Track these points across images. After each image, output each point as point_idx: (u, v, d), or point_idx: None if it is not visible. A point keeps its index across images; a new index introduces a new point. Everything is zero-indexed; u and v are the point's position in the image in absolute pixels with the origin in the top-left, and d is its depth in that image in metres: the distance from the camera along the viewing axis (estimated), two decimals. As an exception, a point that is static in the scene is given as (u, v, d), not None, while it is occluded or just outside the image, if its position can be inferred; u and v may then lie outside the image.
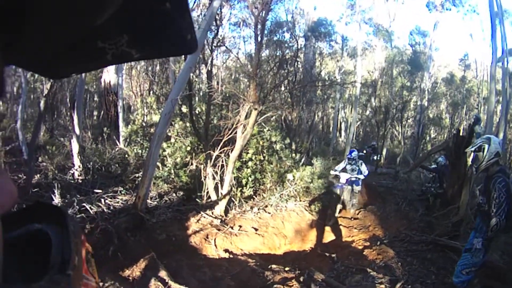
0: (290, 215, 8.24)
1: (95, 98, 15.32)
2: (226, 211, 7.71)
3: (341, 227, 8.60)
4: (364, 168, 9.79)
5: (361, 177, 9.71)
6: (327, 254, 6.76)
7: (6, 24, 0.51)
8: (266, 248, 7.09)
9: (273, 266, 5.85)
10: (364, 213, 9.41)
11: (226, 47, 10.48)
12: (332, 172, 10.03)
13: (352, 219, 9.17)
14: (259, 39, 7.92)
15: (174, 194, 8.17)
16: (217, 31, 9.33)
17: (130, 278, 5.21)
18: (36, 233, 0.78)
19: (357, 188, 9.81)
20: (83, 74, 9.59)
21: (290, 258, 6.76)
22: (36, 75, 14.31)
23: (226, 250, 6.56)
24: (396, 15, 22.52)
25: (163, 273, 5.05)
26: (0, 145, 8.65)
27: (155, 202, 7.74)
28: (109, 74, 12.58)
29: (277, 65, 10.57)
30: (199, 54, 7.96)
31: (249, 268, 5.79)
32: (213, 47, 9.02)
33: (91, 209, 6.65)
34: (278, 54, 12.09)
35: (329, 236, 8.18)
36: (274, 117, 9.83)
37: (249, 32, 14.72)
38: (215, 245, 6.67)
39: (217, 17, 8.70)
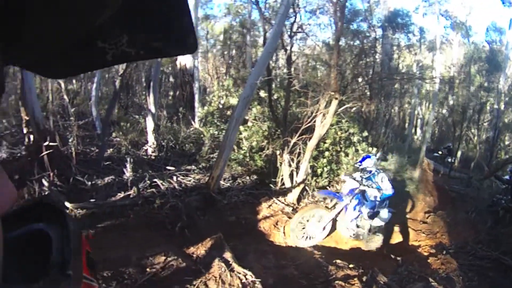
0: None
1: (171, 79, 15.51)
2: (299, 200, 7.57)
3: (409, 229, 8.21)
4: (386, 185, 6.81)
5: (376, 193, 6.76)
6: (393, 256, 6.61)
7: (6, 24, 0.52)
8: (333, 242, 6.92)
9: (338, 261, 5.69)
10: (433, 217, 8.83)
11: (305, 33, 10.21)
12: (342, 177, 7.52)
13: (421, 222, 8.58)
14: (338, 26, 7.61)
15: (247, 177, 8.14)
16: (295, 17, 9.10)
17: (194, 255, 5.20)
18: (36, 233, 0.85)
19: (367, 212, 6.75)
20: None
21: (356, 255, 6.52)
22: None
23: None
24: (472, 9, 20.95)
25: (228, 255, 5.00)
26: (74, 120, 8.88)
27: (228, 184, 7.70)
28: (184, 57, 12.70)
29: (356, 55, 10.24)
30: (278, 40, 7.74)
31: (314, 260, 5.68)
32: (292, 33, 8.79)
33: (162, 185, 6.71)
34: (356, 43, 11.73)
35: (396, 237, 7.87)
36: (354, 109, 9.48)
37: (325, 19, 14.36)
38: (284, 232, 6.59)
39: (294, 2, 8.42)
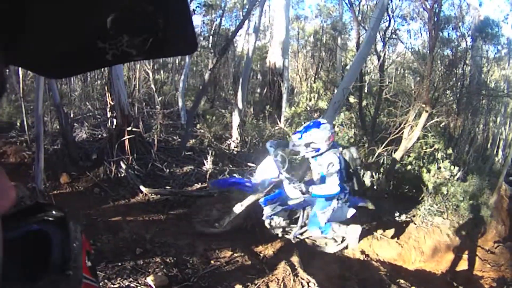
0: (434, 231, 7.45)
1: (258, 77, 15.58)
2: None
3: (476, 258, 7.62)
4: (330, 178, 4.80)
5: (298, 195, 5.01)
6: (455, 284, 6.23)
7: (6, 25, 0.52)
8: (400, 260, 6.61)
9: (401, 281, 5.38)
10: (502, 248, 8.17)
11: (399, 39, 9.87)
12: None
13: (489, 252, 7.93)
14: (432, 34, 7.20)
15: None
16: (389, 23, 8.77)
17: (261, 255, 5.20)
18: (36, 233, 0.86)
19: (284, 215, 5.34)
20: (250, 53, 9.68)
21: (420, 277, 6.22)
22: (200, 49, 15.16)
23: (362, 252, 6.25)
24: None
25: (295, 259, 4.90)
26: (160, 108, 9.07)
27: None
28: (274, 56, 12.76)
29: (447, 65, 9.75)
30: (372, 44, 7.54)
31: (378, 276, 5.43)
32: (386, 40, 8.44)
33: None
34: (446, 53, 11.18)
35: (462, 264, 7.32)
36: (442, 124, 9.03)
37: (415, 26, 13.83)
38: (352, 243, 6.36)
39: (388, 7, 8.16)
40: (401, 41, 10.17)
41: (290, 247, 5.35)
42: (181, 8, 0.73)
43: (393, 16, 9.15)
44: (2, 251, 0.57)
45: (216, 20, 15.93)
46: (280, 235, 5.47)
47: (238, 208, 5.17)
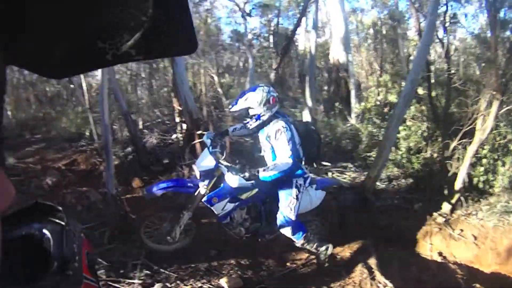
0: (511, 231, 7.06)
1: (324, 74, 15.47)
2: (452, 210, 6.89)
3: None
4: (282, 151, 4.12)
5: (234, 181, 4.45)
6: None
7: (6, 25, 0.52)
8: (477, 262, 6.18)
9: (477, 285, 5.15)
10: None
11: (460, 23, 9.52)
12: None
13: None
14: (492, 15, 7.00)
15: (403, 180, 7.74)
16: (446, 7, 8.43)
17: (338, 257, 5.14)
18: (36, 233, 0.88)
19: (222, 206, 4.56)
20: (313, 50, 9.59)
21: (496, 281, 5.82)
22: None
23: (440, 254, 5.96)
24: None
25: (372, 261, 4.82)
26: (228, 111, 9.19)
27: (383, 185, 7.45)
28: (337, 52, 12.66)
29: (508, 48, 9.25)
30: (434, 31, 7.20)
31: (455, 280, 5.19)
32: (446, 24, 8.12)
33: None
34: (507, 35, 10.62)
35: None
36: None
37: (471, 10, 13.20)
38: (431, 244, 6.13)
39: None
40: (462, 26, 9.75)
41: (367, 248, 5.24)
42: (181, 8, 0.73)
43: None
44: (1, 251, 0.57)
45: (273, 20, 16.04)
46: (244, 238, 4.83)
47: (186, 215, 4.64)
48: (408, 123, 8.10)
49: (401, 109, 6.54)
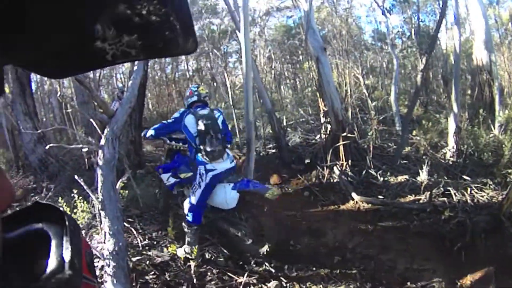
0: None
1: (467, 76, 14.50)
2: None
3: None
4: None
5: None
6: None
7: (6, 24, 0.52)
8: None
9: None
10: None
11: None
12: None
13: None
14: None
15: None
16: None
17: (458, 284, 4.71)
18: (36, 233, 0.85)
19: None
20: (458, 48, 8.96)
21: None
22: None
23: None
24: None
25: None
26: (374, 114, 9.01)
27: None
28: (480, 51, 11.59)
29: None
30: None
31: None
32: None
33: (455, 195, 6.17)
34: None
35: None
36: None
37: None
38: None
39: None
40: None
41: (489, 278, 4.70)
42: (181, 7, 0.71)
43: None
44: (1, 251, 0.57)
45: (414, 16, 15.27)
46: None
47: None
48: None
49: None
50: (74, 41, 0.65)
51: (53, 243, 0.82)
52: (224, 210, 4.97)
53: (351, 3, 14.77)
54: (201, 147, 4.70)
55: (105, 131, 4.05)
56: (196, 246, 4.77)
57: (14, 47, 0.59)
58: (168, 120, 4.92)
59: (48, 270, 0.76)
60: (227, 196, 4.76)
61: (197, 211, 4.82)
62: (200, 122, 4.70)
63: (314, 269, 4.64)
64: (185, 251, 4.84)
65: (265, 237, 4.79)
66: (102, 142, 3.96)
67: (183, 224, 4.94)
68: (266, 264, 4.72)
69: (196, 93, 5.04)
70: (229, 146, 5.23)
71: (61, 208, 0.88)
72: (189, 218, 4.83)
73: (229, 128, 5.70)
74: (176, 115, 4.87)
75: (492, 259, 5.10)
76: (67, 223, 0.87)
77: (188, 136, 4.78)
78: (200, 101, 5.03)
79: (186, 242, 4.90)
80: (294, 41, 15.02)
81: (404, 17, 15.67)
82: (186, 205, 4.90)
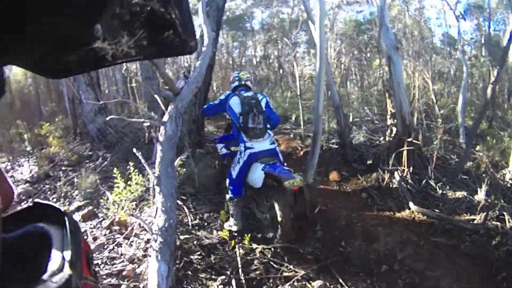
0: None
1: None
2: None
3: None
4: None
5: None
6: None
7: (6, 25, 0.52)
8: None
9: None
10: None
11: None
12: None
13: None
14: None
15: None
16: None
17: None
18: (36, 233, 0.88)
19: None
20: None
21: None
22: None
23: None
24: None
25: None
26: (441, 122, 8.77)
27: None
28: None
29: None
30: None
31: None
32: None
33: (509, 221, 5.84)
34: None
35: None
36: None
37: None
38: None
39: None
40: None
41: None
42: (181, 8, 0.73)
43: None
44: (1, 250, 0.58)
45: (485, 23, 14.60)
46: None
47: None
48: None
49: None
50: (74, 41, 0.67)
51: (54, 243, 0.84)
52: (254, 189, 5.11)
53: (423, 3, 14.33)
54: (243, 125, 5.00)
55: (169, 108, 4.17)
56: (240, 220, 5.16)
57: (14, 47, 0.59)
58: (215, 101, 5.39)
59: (49, 270, 0.77)
60: (255, 175, 4.91)
61: (236, 185, 5.11)
62: (244, 102, 5.05)
63: (361, 274, 4.62)
64: (229, 224, 5.18)
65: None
66: (165, 118, 4.07)
67: (226, 196, 5.27)
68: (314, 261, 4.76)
69: (237, 78, 5.51)
70: (271, 128, 5.42)
71: (61, 208, 0.90)
72: (230, 191, 5.15)
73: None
74: (222, 97, 5.33)
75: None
76: (67, 223, 0.89)
77: (232, 116, 5.12)
78: (242, 85, 5.45)
79: (230, 215, 5.25)
80: (363, 37, 14.79)
81: (476, 24, 15.09)
82: (228, 179, 5.21)
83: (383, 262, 4.93)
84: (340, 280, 4.36)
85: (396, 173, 7.02)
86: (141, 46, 0.73)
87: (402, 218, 6.17)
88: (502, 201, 6.41)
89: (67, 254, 0.83)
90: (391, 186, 6.96)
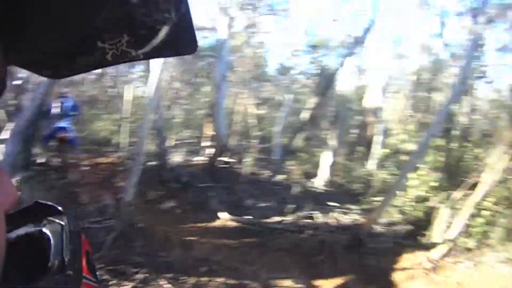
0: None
1: (357, 117, 15.60)
2: (442, 257, 7.01)
3: None
4: None
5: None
6: None
7: (5, 25, 0.50)
8: None
9: None
10: None
11: (485, 79, 9.64)
12: None
13: None
14: None
15: (403, 226, 7.95)
16: (480, 59, 8.86)
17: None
18: (36, 233, 0.80)
19: None
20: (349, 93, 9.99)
21: None
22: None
23: None
24: None
25: None
26: (256, 142, 10.09)
27: (382, 229, 7.68)
28: (372, 96, 13.05)
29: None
30: (465, 84, 7.57)
31: None
32: (477, 77, 8.39)
33: (317, 218, 7.07)
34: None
35: None
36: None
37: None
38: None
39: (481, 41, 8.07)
40: (486, 82, 9.85)
41: (345, 286, 5.72)
42: (181, 8, 0.71)
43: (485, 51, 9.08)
44: (3, 250, 0.55)
45: (320, 58, 15.50)
46: None
47: None
48: (421, 172, 8.31)
49: (416, 159, 7.05)
50: (74, 41, 0.64)
51: (53, 243, 0.80)
52: None
53: (264, 37, 15.17)
54: None
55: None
56: None
57: (14, 47, 0.56)
58: None
59: (48, 270, 0.75)
60: None
61: None
62: None
63: (185, 277, 5.05)
64: None
65: None
66: None
67: None
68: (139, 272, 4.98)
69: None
70: None
71: (61, 208, 0.86)
72: None
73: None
74: None
75: (352, 268, 6.06)
76: (67, 223, 0.85)
77: None
78: None
79: None
80: (202, 62, 15.01)
81: (311, 58, 16.36)
82: None
83: (202, 264, 5.43)
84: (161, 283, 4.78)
85: (210, 189, 7.78)
86: (141, 46, 0.70)
87: (216, 227, 6.85)
88: (312, 203, 7.66)
89: (67, 254, 0.80)
90: (205, 201, 7.64)
